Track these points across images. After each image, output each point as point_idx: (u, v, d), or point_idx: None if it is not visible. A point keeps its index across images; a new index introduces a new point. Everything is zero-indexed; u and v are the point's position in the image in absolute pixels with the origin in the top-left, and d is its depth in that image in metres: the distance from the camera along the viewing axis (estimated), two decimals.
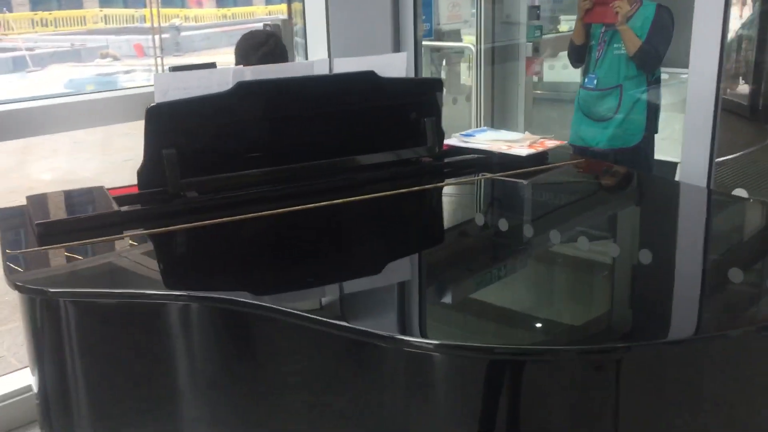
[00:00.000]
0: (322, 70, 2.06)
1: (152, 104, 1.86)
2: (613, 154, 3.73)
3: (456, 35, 4.79)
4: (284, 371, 1.43)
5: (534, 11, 4.53)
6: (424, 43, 4.49)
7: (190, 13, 21.01)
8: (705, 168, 2.55)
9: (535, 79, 5.29)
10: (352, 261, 1.74)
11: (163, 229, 1.81)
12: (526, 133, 2.41)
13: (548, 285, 1.76)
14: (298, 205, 1.93)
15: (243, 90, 1.94)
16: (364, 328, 1.36)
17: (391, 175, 2.16)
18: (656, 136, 3.89)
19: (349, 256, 1.77)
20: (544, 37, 4.74)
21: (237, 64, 2.79)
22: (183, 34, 14.53)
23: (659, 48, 3.55)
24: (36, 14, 17.60)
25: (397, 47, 3.40)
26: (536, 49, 4.56)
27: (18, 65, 11.98)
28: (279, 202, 1.95)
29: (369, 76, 2.10)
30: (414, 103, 2.21)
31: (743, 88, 7.58)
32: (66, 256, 1.71)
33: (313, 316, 1.37)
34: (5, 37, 14.36)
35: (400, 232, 1.98)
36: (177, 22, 15.09)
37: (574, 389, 1.36)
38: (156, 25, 9.57)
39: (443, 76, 5.16)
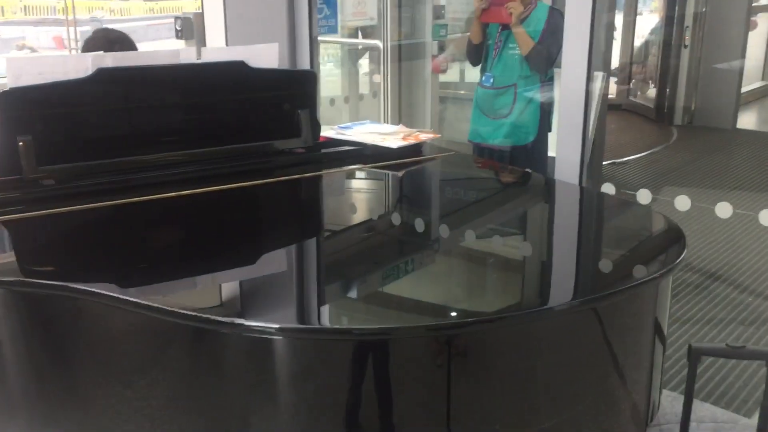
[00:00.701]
0: (190, 59, 2.05)
1: (4, 89, 1.82)
2: (508, 152, 3.83)
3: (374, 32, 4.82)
4: (111, 360, 1.42)
5: (439, 10, 4.60)
6: (330, 39, 4.52)
7: (116, 5, 20.48)
8: (577, 163, 2.64)
9: (457, 78, 5.37)
10: (215, 251, 1.73)
11: (8, 216, 1.78)
12: (401, 126, 2.45)
13: (438, 276, 1.77)
14: (160, 194, 1.92)
15: (103, 76, 1.92)
16: (200, 315, 1.35)
17: (263, 165, 2.16)
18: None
19: (210, 246, 1.76)
20: (459, 36, 4.81)
21: None
22: (105, 26, 14.13)
23: (551, 49, 3.65)
24: None
25: (293, 41, 3.41)
26: (441, 48, 4.63)
27: None
28: (141, 190, 1.93)
29: (238, 66, 2.10)
30: (287, 95, 2.22)
31: (651, 91, 7.88)
32: None
33: (123, 297, 1.35)
34: None
35: (270, 222, 1.98)
36: (99, 14, 14.69)
37: (413, 374, 1.39)
38: (71, 17, 9.33)
39: (356, 72, 5.20)
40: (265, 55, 2.15)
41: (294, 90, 2.23)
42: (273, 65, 2.17)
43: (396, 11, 4.57)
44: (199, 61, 2.07)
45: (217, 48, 2.10)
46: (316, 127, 2.28)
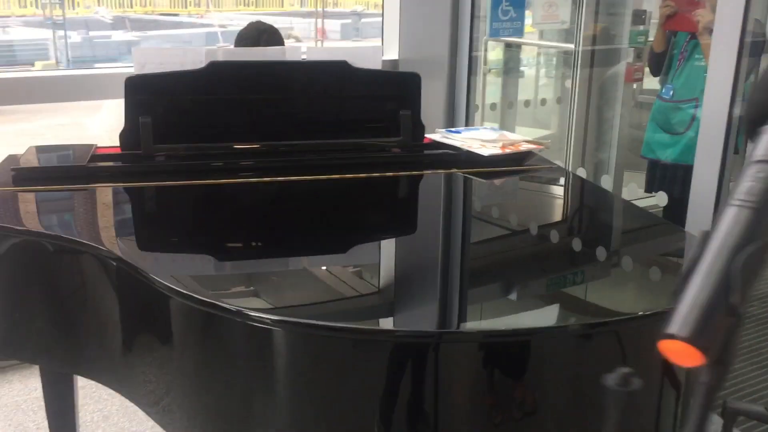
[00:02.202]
0: (295, 57, 2.22)
1: (131, 75, 2.12)
2: (682, 170, 3.54)
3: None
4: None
5: (640, 16, 4.34)
6: (515, 40, 4.48)
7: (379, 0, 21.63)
8: (713, 193, 2.40)
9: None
10: (305, 236, 1.86)
11: (118, 184, 2.09)
12: (503, 133, 2.41)
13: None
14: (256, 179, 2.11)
15: (214, 68, 2.15)
16: (205, 298, 1.47)
17: (356, 161, 2.26)
18: None
19: (299, 232, 1.90)
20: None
21: None
22: (363, 20, 15.12)
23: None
24: None
25: (454, 44, 3.47)
26: (638, 56, 4.37)
27: (210, 40, 13.17)
28: (242, 174, 2.14)
29: (341, 65, 2.22)
30: (388, 96, 2.30)
31: None
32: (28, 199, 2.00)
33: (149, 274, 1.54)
34: (207, 14, 15.78)
35: (356, 215, 2.08)
36: (359, 8, 15.72)
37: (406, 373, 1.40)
38: (320, 9, 10.25)
39: (554, 75, 5.09)
40: (369, 57, 2.25)
41: (396, 91, 2.30)
42: (376, 66, 2.26)
43: (591, 15, 4.40)
44: (303, 59, 2.23)
45: (321, 48, 2.25)
46: (418, 128, 2.33)
